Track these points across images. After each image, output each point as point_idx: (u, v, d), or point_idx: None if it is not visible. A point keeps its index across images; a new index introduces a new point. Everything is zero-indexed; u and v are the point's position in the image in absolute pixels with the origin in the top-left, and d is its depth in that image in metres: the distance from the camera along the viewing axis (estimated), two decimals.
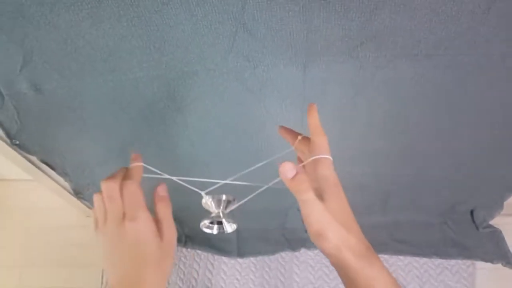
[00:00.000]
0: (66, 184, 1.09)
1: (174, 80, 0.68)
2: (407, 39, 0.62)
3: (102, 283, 1.16)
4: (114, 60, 0.63)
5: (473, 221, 1.17)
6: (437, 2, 0.56)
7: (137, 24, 0.58)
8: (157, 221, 0.46)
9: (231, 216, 0.51)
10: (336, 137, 0.83)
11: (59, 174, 0.99)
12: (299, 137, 0.53)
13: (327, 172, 0.43)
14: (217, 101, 0.73)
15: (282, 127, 0.59)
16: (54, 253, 1.26)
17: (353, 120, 0.79)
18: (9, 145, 0.90)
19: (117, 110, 0.75)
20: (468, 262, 1.11)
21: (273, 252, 1.14)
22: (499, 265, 1.11)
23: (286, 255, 1.15)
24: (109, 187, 0.43)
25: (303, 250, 1.15)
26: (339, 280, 1.08)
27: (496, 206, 1.11)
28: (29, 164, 1.00)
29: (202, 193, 0.51)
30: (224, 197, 0.52)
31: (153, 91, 0.70)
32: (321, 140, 0.46)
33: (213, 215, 0.51)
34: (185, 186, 0.99)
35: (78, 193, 1.14)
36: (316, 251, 1.15)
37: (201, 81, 0.68)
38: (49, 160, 0.93)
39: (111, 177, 0.45)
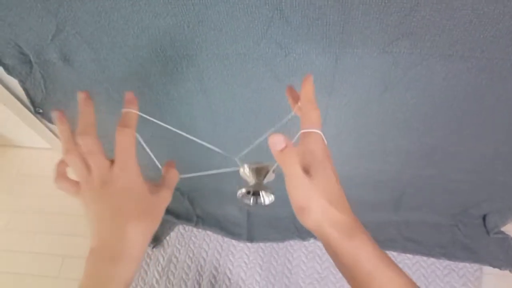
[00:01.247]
0: None
1: (204, 62, 0.68)
2: (444, 39, 0.60)
3: None
4: (146, 36, 0.63)
5: (485, 226, 1.16)
6: (480, 2, 0.54)
7: (173, 3, 0.57)
8: (161, 181, 0.50)
9: (269, 187, 0.47)
10: (358, 132, 0.82)
11: None
12: (299, 103, 0.50)
13: (316, 146, 0.41)
14: (243, 86, 0.73)
15: (289, 87, 0.54)
16: (68, 222, 1.28)
17: (378, 116, 0.78)
18: (32, 113, 0.91)
19: (143, 86, 0.75)
20: (476, 266, 1.11)
21: (282, 239, 1.16)
22: (507, 272, 1.11)
23: (295, 243, 1.16)
24: (85, 142, 0.43)
25: (312, 240, 1.15)
26: None
27: (510, 213, 1.11)
28: (49, 133, 1.01)
29: (237, 159, 0.50)
30: (264, 165, 0.49)
31: (182, 71, 0.70)
32: (312, 114, 0.44)
33: (251, 184, 0.48)
34: (190, 164, 1.00)
35: None
36: None
37: (230, 65, 0.68)
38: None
39: (79, 132, 0.44)
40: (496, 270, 1.11)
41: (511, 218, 1.12)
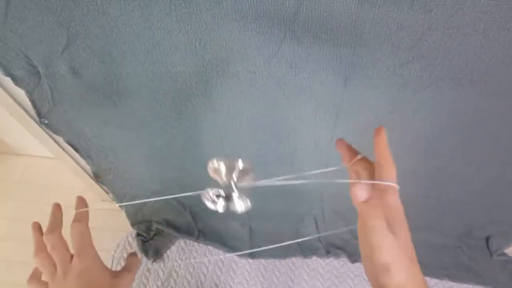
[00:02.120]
0: (87, 167, 1.10)
1: (214, 78, 0.68)
2: (455, 62, 0.60)
3: (111, 267, 1.17)
4: (157, 52, 0.63)
5: (488, 248, 1.15)
6: (491, 28, 0.55)
7: (186, 20, 0.57)
8: (124, 266, 0.54)
9: (245, 192, 0.40)
10: (365, 152, 0.82)
11: (82, 156, 0.99)
12: (359, 156, 0.49)
13: (397, 202, 0.41)
14: (252, 103, 0.73)
15: (341, 140, 0.53)
16: (67, 233, 1.27)
17: (389, 136, 0.78)
18: (37, 123, 0.91)
19: (151, 101, 0.75)
20: None
21: (284, 256, 1.14)
22: None
23: (296, 260, 1.15)
24: (50, 239, 0.49)
25: (314, 258, 1.14)
26: None
27: None
28: (54, 144, 1.01)
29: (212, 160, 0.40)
30: (240, 163, 0.39)
31: (191, 87, 0.70)
32: (390, 167, 0.42)
33: (222, 185, 0.40)
34: (195, 178, 1.00)
35: (97, 177, 1.15)
36: (328, 260, 1.14)
37: (240, 82, 0.68)
38: (75, 142, 0.94)
39: (46, 232, 0.51)
40: None
41: None
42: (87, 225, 0.51)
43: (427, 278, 1.12)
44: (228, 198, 0.40)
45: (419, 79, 0.63)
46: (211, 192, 0.40)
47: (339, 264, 1.14)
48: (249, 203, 0.41)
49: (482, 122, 0.72)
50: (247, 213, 1.15)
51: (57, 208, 0.57)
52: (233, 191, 0.39)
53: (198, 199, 1.20)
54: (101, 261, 0.49)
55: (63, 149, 1.03)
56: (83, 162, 1.07)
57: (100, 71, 0.69)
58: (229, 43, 0.60)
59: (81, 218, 0.53)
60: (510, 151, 0.78)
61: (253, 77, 0.67)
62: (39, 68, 0.70)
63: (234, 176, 0.39)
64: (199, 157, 0.94)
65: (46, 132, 0.95)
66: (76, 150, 0.96)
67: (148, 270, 1.17)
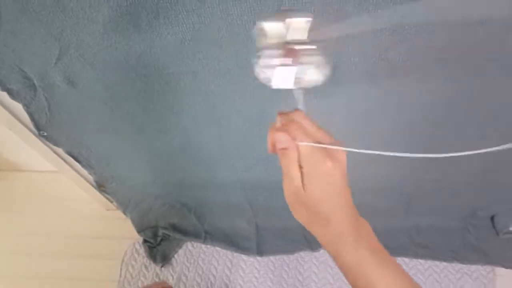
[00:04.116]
0: (89, 177, 1.11)
1: (206, 77, 0.68)
2: (438, 43, 0.61)
3: (120, 276, 1.18)
4: (148, 55, 0.64)
5: (494, 227, 1.15)
6: (471, 7, 0.55)
7: (173, 22, 0.58)
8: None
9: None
10: (363, 137, 0.83)
11: (84, 166, 1.00)
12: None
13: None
14: (247, 99, 0.73)
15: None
16: (73, 244, 1.28)
17: (381, 121, 0.78)
18: (36, 136, 0.92)
19: (146, 103, 0.76)
20: (489, 268, 1.10)
21: (292, 251, 1.14)
22: None
23: (305, 254, 1.15)
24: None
25: (322, 251, 1.14)
26: None
27: None
28: (54, 155, 1.02)
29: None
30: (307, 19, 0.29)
31: (185, 87, 0.71)
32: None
33: (285, 49, 0.28)
34: (197, 179, 1.00)
35: (100, 186, 1.16)
36: None
37: (233, 79, 0.68)
38: (75, 152, 0.95)
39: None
40: (509, 271, 1.10)
41: None
42: None
43: (436, 263, 1.12)
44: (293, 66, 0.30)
45: (405, 63, 0.64)
46: (268, 53, 0.27)
47: None
48: (327, 71, 0.30)
49: (473, 101, 0.73)
50: (252, 210, 1.15)
51: None
52: (304, 54, 0.29)
53: (202, 201, 1.19)
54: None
55: (64, 161, 1.03)
56: (85, 172, 1.08)
57: (95, 78, 0.70)
58: (218, 41, 0.61)
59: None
60: (502, 129, 0.79)
61: (245, 73, 0.67)
62: (35, 81, 0.72)
63: (301, 33, 0.29)
64: (199, 157, 0.94)
65: (46, 145, 0.95)
66: (77, 160, 0.97)
67: (157, 276, 1.17)
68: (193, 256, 1.19)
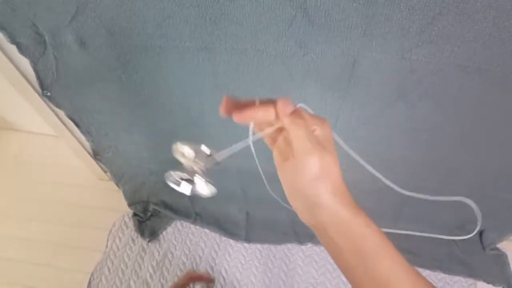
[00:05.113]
0: (86, 144, 1.09)
1: (221, 56, 0.67)
2: (463, 49, 0.61)
3: (106, 246, 1.17)
4: (167, 25, 0.63)
5: (481, 242, 1.17)
6: (501, 17, 0.55)
7: None
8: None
9: (210, 176, 0.40)
10: (368, 139, 0.82)
11: (82, 132, 0.99)
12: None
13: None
14: (258, 83, 0.72)
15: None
16: (64, 211, 1.27)
17: (388, 124, 0.78)
18: (39, 95, 0.91)
19: (156, 77, 0.75)
20: (470, 281, 1.12)
21: (280, 242, 1.15)
22: None
23: (292, 247, 1.15)
24: None
25: (309, 245, 1.15)
26: (342, 278, 1.09)
27: (507, 231, 1.11)
28: (54, 118, 1.00)
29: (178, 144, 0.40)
30: (204, 148, 0.41)
31: (198, 63, 0.70)
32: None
33: (188, 168, 0.39)
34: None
35: (96, 154, 1.15)
36: (323, 248, 1.15)
37: (248, 60, 0.68)
38: (76, 117, 0.93)
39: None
40: (490, 286, 1.12)
41: (508, 236, 1.13)
42: None
43: (420, 269, 1.13)
44: (192, 181, 0.40)
45: (427, 65, 0.64)
46: (174, 175, 0.39)
47: None
48: (213, 188, 0.40)
49: (485, 113, 0.72)
50: (245, 198, 1.15)
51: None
52: (200, 175, 0.39)
53: None
54: None
55: (64, 124, 1.02)
56: (82, 139, 1.07)
57: (108, 43, 0.68)
58: (240, 19, 0.60)
59: None
60: (507, 145, 0.79)
61: (261, 56, 0.67)
62: (46, 37, 0.70)
63: (198, 160, 0.40)
64: (200, 138, 0.93)
65: (48, 105, 0.94)
66: (77, 125, 0.96)
67: (144, 250, 1.17)
68: (181, 235, 1.19)
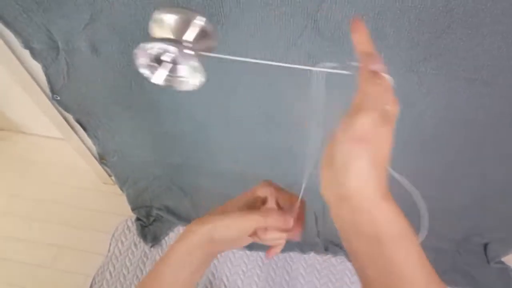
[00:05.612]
0: (92, 147, 1.10)
1: (230, 64, 0.68)
2: (470, 63, 0.61)
3: (109, 250, 1.17)
4: None
5: (485, 255, 1.16)
6: (510, 31, 0.56)
7: (211, 3, 0.58)
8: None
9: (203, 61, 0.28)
10: None
11: (89, 136, 1.00)
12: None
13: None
14: (264, 92, 0.73)
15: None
16: (67, 213, 1.27)
17: (395, 134, 0.79)
18: (48, 99, 0.92)
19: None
20: None
21: (282, 250, 1.14)
22: None
23: (294, 255, 1.15)
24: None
25: (312, 254, 1.15)
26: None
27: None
28: (62, 121, 1.01)
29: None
30: (199, 19, 0.30)
31: (206, 69, 0.70)
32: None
33: (168, 46, 0.28)
34: (198, 165, 1.01)
35: (102, 158, 1.16)
36: (326, 257, 1.15)
37: (256, 70, 0.68)
38: (84, 121, 0.94)
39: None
40: None
41: None
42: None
43: None
44: (175, 63, 0.29)
45: (434, 77, 0.64)
46: (150, 50, 0.26)
47: (336, 262, 1.15)
48: (203, 76, 0.30)
49: (492, 124, 0.73)
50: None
51: None
52: (187, 55, 0.27)
53: (200, 188, 1.19)
54: None
55: (71, 127, 1.03)
56: (89, 142, 1.08)
57: (120, 50, 0.69)
58: (251, 29, 0.61)
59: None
60: None
61: (270, 66, 0.67)
62: (59, 43, 0.71)
63: (190, 34, 0.28)
64: (204, 144, 0.94)
65: (56, 109, 0.95)
66: (84, 129, 0.96)
67: (146, 255, 1.17)
68: None
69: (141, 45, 0.28)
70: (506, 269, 1.14)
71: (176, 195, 1.19)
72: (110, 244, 1.20)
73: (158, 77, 0.29)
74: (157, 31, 0.29)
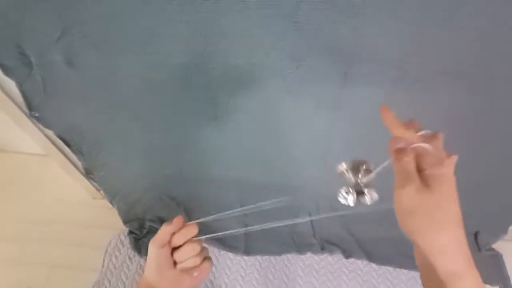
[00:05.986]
0: (78, 163, 1.07)
1: (214, 70, 0.67)
2: (450, 57, 0.61)
3: (103, 266, 1.15)
4: (157, 42, 0.62)
5: (476, 243, 1.17)
6: (487, 25, 0.56)
7: (187, 10, 0.56)
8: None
9: (371, 185, 0.46)
10: (364, 146, 0.82)
11: (74, 151, 0.97)
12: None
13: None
14: (252, 96, 0.72)
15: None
16: (57, 231, 1.24)
17: (378, 131, 0.78)
18: (27, 116, 0.89)
19: (148, 92, 0.74)
20: None
21: (279, 253, 1.14)
22: None
23: (292, 257, 1.14)
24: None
25: (309, 254, 1.14)
26: (342, 286, 1.07)
27: (501, 231, 1.12)
28: (44, 138, 0.98)
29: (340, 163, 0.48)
30: (363, 164, 0.47)
31: (189, 79, 0.69)
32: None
33: (350, 184, 0.47)
34: (190, 174, 0.99)
35: (88, 173, 1.12)
36: (323, 257, 1.14)
37: (240, 75, 0.67)
38: (66, 137, 0.91)
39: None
40: (487, 286, 1.12)
41: (502, 236, 1.14)
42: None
43: (413, 272, 1.13)
44: (358, 193, 0.46)
45: (416, 73, 0.64)
46: (343, 190, 0.47)
47: (333, 260, 1.14)
48: (376, 195, 0.46)
49: (474, 117, 0.73)
50: (244, 212, 1.14)
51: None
52: (362, 187, 0.46)
53: (192, 197, 1.17)
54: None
55: (54, 144, 1.00)
56: (74, 158, 1.05)
57: (96, 61, 0.67)
58: (231, 34, 0.60)
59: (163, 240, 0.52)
60: (495, 146, 0.80)
61: (254, 69, 0.66)
62: (32, 58, 0.68)
63: (360, 175, 0.46)
64: (195, 153, 0.93)
65: (36, 126, 0.92)
66: (68, 145, 0.94)
67: (141, 268, 1.15)
68: None
69: (339, 192, 0.47)
70: (497, 255, 1.15)
71: (169, 205, 1.16)
72: (104, 260, 1.17)
73: (351, 202, 0.47)
74: (341, 175, 0.48)
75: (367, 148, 0.82)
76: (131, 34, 0.61)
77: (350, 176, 0.47)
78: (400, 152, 0.39)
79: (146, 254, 1.14)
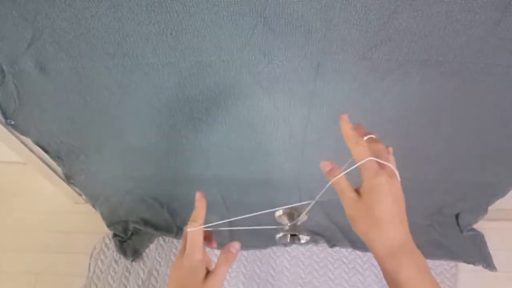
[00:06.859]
0: (58, 169, 1.06)
1: (187, 69, 0.67)
2: (420, 44, 0.63)
3: (89, 270, 1.14)
4: (127, 44, 0.62)
5: (458, 224, 1.21)
6: (453, 10, 0.57)
7: (156, 10, 0.57)
8: (215, 266, 0.55)
9: (304, 229, 0.56)
10: (339, 136, 0.84)
11: (52, 158, 0.96)
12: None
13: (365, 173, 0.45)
14: (227, 93, 0.73)
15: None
16: (40, 239, 1.23)
17: (357, 120, 0.80)
18: (3, 124, 0.88)
19: (122, 95, 0.74)
20: (452, 263, 1.15)
21: (265, 246, 1.15)
22: (480, 267, 1.16)
23: (277, 249, 1.16)
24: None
25: (294, 246, 1.16)
26: (328, 276, 1.11)
27: (481, 211, 1.15)
28: (22, 146, 0.97)
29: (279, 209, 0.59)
30: (297, 208, 0.57)
31: (163, 79, 0.69)
32: (355, 149, 0.48)
33: (287, 228, 0.56)
34: (170, 174, 1.00)
35: (69, 179, 1.12)
36: (308, 247, 1.16)
37: (213, 72, 0.68)
38: (43, 143, 0.91)
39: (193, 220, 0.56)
40: (471, 266, 1.16)
41: (482, 216, 1.18)
42: (201, 223, 0.56)
43: None
44: (293, 235, 0.56)
45: (387, 63, 0.66)
46: (281, 234, 0.57)
47: (318, 250, 1.16)
48: (308, 237, 0.55)
49: (447, 102, 0.75)
50: (226, 206, 1.15)
51: (201, 198, 0.60)
52: (297, 231, 0.55)
53: (175, 197, 1.17)
54: (202, 268, 0.52)
55: (31, 151, 0.99)
56: (53, 164, 1.04)
57: (69, 66, 0.67)
58: (202, 32, 0.60)
59: (197, 217, 0.56)
60: (475, 129, 0.82)
61: (226, 66, 0.67)
62: (3, 66, 0.68)
63: (295, 220, 0.56)
64: (174, 153, 0.93)
65: (13, 134, 0.91)
66: (46, 151, 0.93)
67: (128, 270, 1.15)
68: (165, 251, 1.17)
69: (277, 237, 0.58)
70: (478, 235, 1.19)
71: (152, 206, 1.17)
72: (89, 264, 1.17)
73: (290, 241, 0.57)
74: (278, 219, 0.59)
75: (340, 138, 0.85)
76: (102, 37, 0.61)
77: (285, 221, 0.57)
78: (330, 173, 0.47)
79: (132, 255, 1.15)
